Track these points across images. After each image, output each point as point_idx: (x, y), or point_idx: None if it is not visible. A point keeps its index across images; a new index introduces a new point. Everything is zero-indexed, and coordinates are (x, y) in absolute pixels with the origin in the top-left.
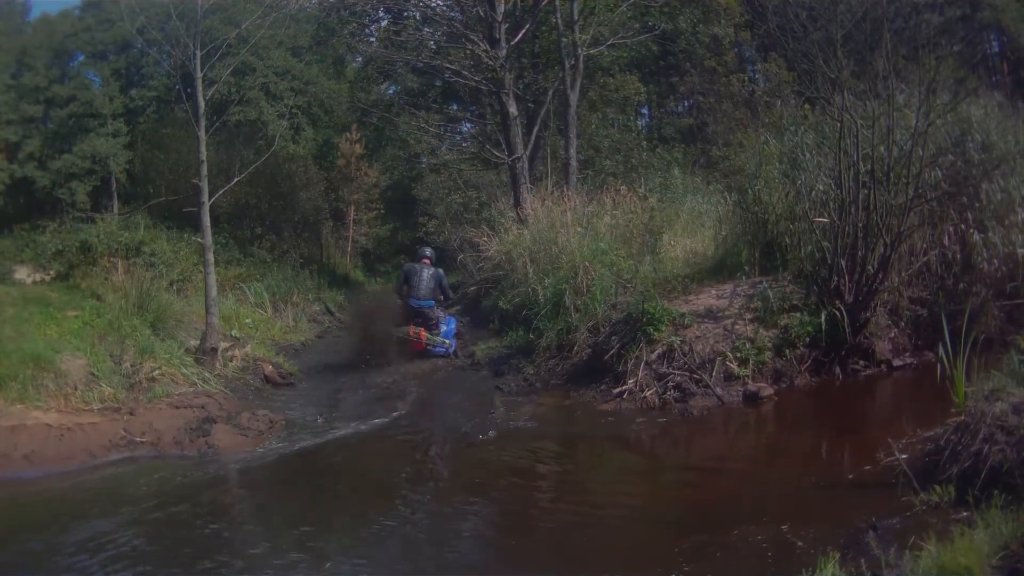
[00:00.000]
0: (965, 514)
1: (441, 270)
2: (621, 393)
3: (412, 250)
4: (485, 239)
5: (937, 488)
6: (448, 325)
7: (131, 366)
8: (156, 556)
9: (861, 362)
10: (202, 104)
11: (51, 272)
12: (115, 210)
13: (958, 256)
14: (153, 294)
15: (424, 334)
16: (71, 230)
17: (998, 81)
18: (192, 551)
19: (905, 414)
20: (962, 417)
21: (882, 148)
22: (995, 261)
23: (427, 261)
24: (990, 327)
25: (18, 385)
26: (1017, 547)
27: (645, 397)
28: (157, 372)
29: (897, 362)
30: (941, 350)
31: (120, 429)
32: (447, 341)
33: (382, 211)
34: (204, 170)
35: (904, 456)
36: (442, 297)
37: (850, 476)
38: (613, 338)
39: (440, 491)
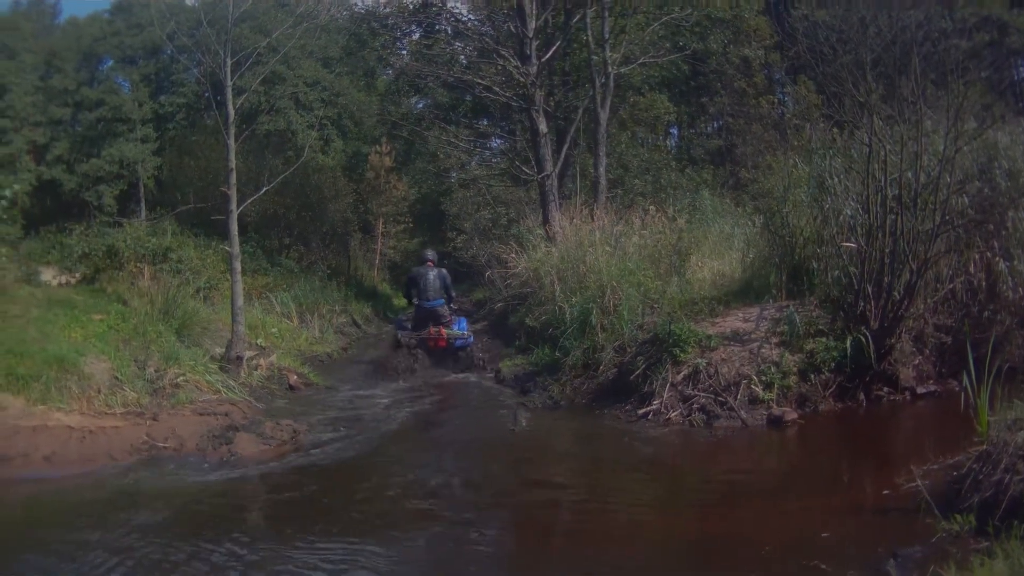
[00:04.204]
0: (985, 544)
1: (445, 271)
2: (646, 414)
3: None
4: (513, 256)
5: (958, 517)
6: (460, 323)
7: (155, 371)
8: (169, 558)
9: (885, 389)
10: (231, 112)
11: (77, 275)
12: (143, 215)
13: (983, 284)
14: (179, 301)
15: (444, 331)
16: (98, 234)
17: None
18: (207, 555)
19: (928, 442)
20: (984, 446)
21: (910, 173)
22: (1020, 289)
23: (431, 263)
24: (1015, 356)
25: (41, 386)
26: None
27: (670, 418)
28: (181, 378)
29: (921, 389)
30: (965, 379)
31: (143, 433)
32: (465, 333)
33: (410, 224)
34: (233, 178)
35: (926, 483)
36: (449, 296)
37: (872, 502)
38: (639, 358)
39: (455, 505)
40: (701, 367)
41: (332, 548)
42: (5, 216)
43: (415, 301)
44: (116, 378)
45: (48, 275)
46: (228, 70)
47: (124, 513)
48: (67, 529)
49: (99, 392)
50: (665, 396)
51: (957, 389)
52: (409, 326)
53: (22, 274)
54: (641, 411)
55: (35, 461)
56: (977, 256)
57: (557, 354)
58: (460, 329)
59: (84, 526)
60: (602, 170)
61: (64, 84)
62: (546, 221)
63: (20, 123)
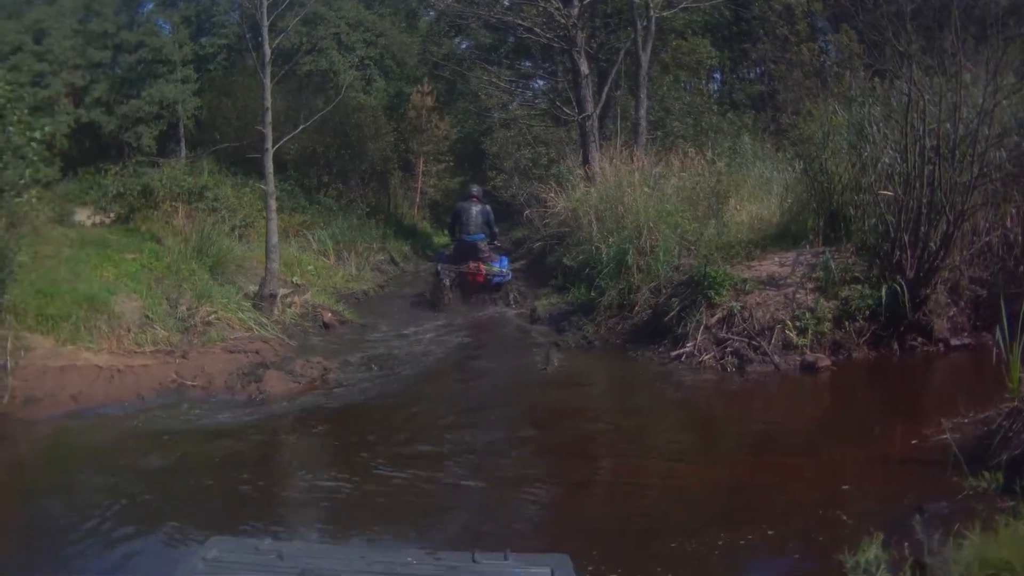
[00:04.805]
0: (1011, 503)
1: (488, 207)
2: (680, 356)
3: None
4: (552, 195)
5: (986, 474)
6: (501, 261)
7: (187, 310)
8: (189, 492)
9: (919, 339)
10: (268, 52)
11: (111, 215)
12: (182, 155)
13: (1020, 239)
14: (214, 238)
15: (483, 267)
16: (133, 173)
17: None
18: (228, 489)
19: (959, 395)
20: (1015, 403)
21: (948, 125)
22: None
23: (475, 199)
24: None
25: (70, 326)
26: None
27: (703, 361)
28: (213, 316)
29: (955, 341)
30: (998, 333)
31: (171, 372)
32: (504, 270)
33: (451, 164)
34: (268, 117)
35: (955, 437)
36: (491, 232)
37: (900, 453)
38: (674, 300)
39: (486, 435)
40: (736, 310)
41: (340, 488)
42: (37, 158)
43: (457, 234)
44: (147, 317)
45: (83, 215)
46: (264, 10)
47: (139, 453)
48: (84, 470)
49: (129, 331)
50: (699, 339)
51: (990, 343)
52: (449, 260)
53: (55, 215)
54: (674, 353)
55: (62, 401)
56: (1014, 210)
57: (593, 294)
58: (500, 266)
59: (97, 466)
60: (643, 112)
61: (103, 28)
62: (586, 161)
63: (59, 67)
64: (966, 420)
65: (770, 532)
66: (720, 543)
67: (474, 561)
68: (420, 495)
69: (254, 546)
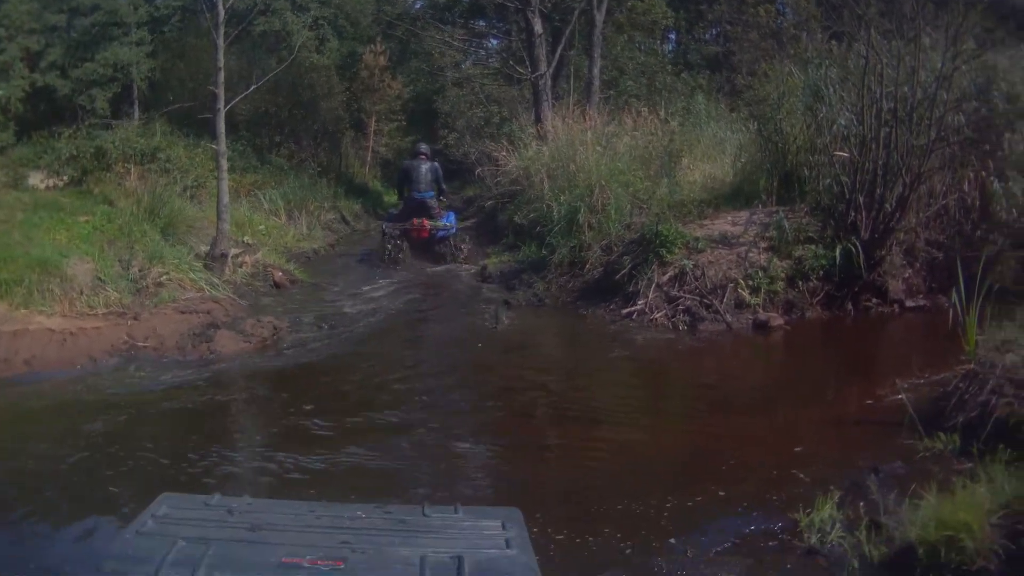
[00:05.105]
0: (968, 465)
1: (437, 164)
2: (631, 313)
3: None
4: (504, 154)
5: (941, 436)
6: (448, 217)
7: (139, 271)
8: (137, 454)
9: (874, 300)
10: (222, 12)
11: (64, 178)
12: (136, 118)
13: (977, 203)
14: (166, 199)
15: (427, 222)
16: (87, 136)
17: None
18: (176, 450)
19: (914, 356)
20: (971, 365)
21: (906, 88)
22: (1014, 211)
23: (424, 156)
24: (1005, 277)
25: (23, 290)
26: (1019, 506)
27: (655, 319)
28: (165, 277)
29: (910, 303)
30: (954, 295)
31: (123, 334)
32: (448, 224)
33: (403, 123)
34: (221, 77)
35: (910, 397)
36: (440, 189)
37: (854, 413)
38: (625, 258)
39: (424, 405)
40: (688, 269)
41: (288, 446)
42: None
43: (407, 192)
44: (99, 279)
45: (36, 179)
46: None
47: (89, 415)
48: (34, 433)
49: (81, 294)
50: (650, 297)
51: (946, 305)
52: (396, 218)
53: (9, 179)
54: (626, 311)
55: (15, 365)
56: (971, 175)
57: (543, 252)
58: (447, 221)
59: (47, 430)
60: (596, 71)
61: None
62: (538, 120)
63: (15, 31)
64: (921, 381)
65: (721, 493)
66: (670, 503)
67: (424, 515)
68: (368, 455)
69: (203, 502)
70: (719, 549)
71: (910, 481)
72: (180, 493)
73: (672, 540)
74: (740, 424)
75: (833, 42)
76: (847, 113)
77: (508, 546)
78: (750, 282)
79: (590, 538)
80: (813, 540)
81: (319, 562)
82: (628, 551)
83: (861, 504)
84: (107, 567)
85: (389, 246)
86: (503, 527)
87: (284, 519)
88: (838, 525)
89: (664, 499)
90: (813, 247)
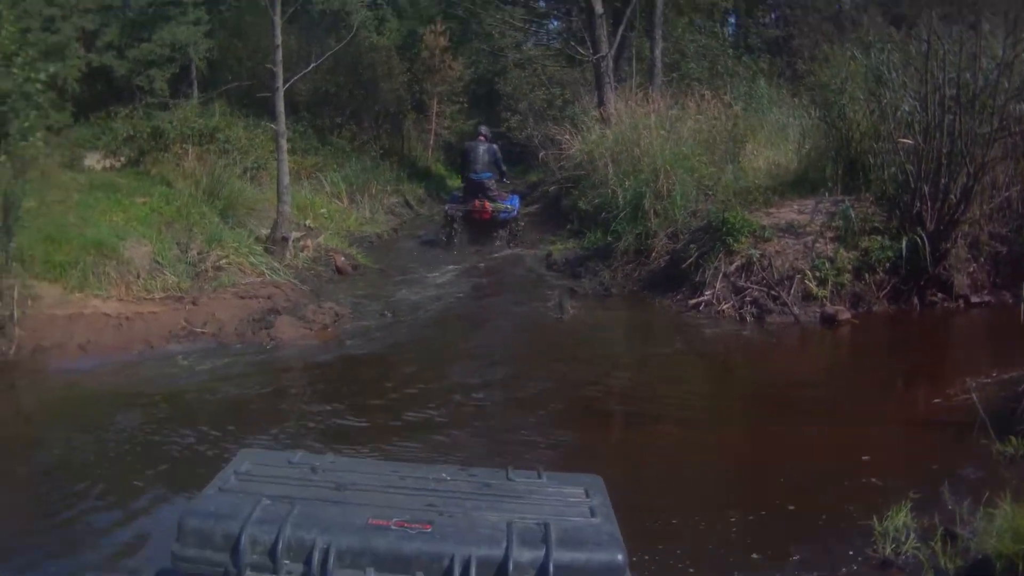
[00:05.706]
0: None
1: (496, 145)
2: (698, 304)
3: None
4: (567, 137)
5: (1013, 439)
6: (512, 199)
7: (198, 254)
8: (197, 439)
9: (939, 294)
10: None
11: (122, 159)
12: (194, 97)
13: None
14: (225, 181)
15: (488, 204)
16: (144, 116)
17: None
18: (238, 436)
19: (981, 354)
20: None
21: (968, 74)
22: None
23: (483, 138)
24: None
25: (78, 273)
26: None
27: (722, 310)
28: (224, 261)
29: (975, 298)
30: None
31: (181, 319)
32: (511, 207)
33: (465, 105)
34: (279, 55)
35: (980, 397)
36: (500, 171)
37: (925, 414)
38: (692, 246)
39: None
40: (754, 258)
41: (358, 426)
42: (44, 101)
43: (466, 174)
44: (156, 262)
45: (93, 160)
46: None
47: (147, 401)
48: (93, 418)
49: (138, 277)
50: (717, 287)
51: (1011, 301)
52: (458, 200)
53: (65, 159)
54: (693, 301)
55: (70, 350)
56: None
57: (609, 239)
58: (509, 203)
59: (105, 415)
60: (658, 53)
61: None
62: (601, 103)
63: (69, 11)
64: (990, 381)
65: (792, 500)
66: (738, 512)
67: (508, 479)
68: (438, 441)
69: (286, 459)
70: (794, 559)
71: (984, 487)
72: (260, 449)
73: (742, 552)
74: (810, 427)
75: (892, 28)
76: (910, 99)
77: (592, 514)
78: (817, 273)
79: (660, 546)
80: (888, 551)
81: (407, 524)
82: (698, 562)
83: (935, 512)
84: (189, 524)
85: (451, 227)
86: (586, 494)
87: (368, 479)
88: (912, 535)
89: (731, 508)
90: (879, 238)
